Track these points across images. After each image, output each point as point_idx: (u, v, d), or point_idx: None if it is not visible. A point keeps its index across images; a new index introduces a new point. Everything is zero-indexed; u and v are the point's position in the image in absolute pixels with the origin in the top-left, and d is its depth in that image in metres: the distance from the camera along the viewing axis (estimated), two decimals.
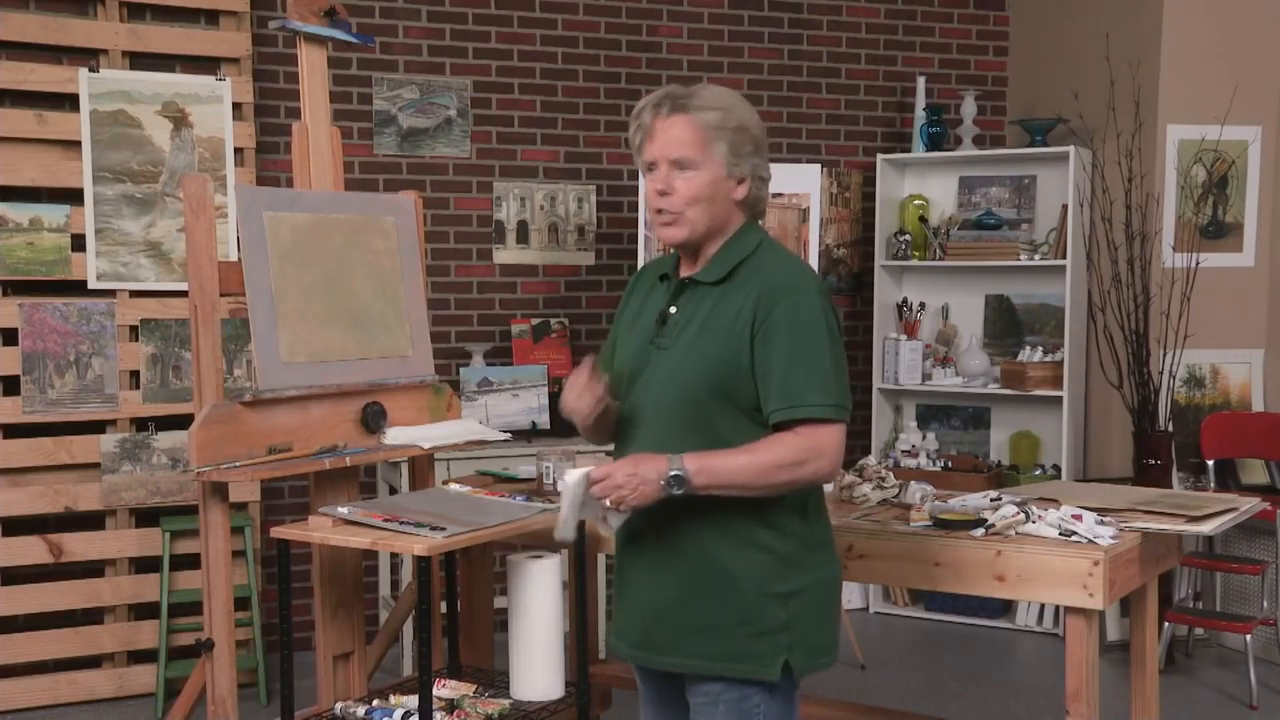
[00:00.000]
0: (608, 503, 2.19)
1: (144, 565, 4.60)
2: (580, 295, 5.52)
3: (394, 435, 3.24)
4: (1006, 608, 5.50)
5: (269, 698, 4.54)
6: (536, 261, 5.45)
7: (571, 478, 2.20)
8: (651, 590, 2.30)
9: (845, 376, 2.21)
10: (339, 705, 2.96)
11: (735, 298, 2.21)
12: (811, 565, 2.26)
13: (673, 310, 2.29)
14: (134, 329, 4.55)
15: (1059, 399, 5.38)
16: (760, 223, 2.37)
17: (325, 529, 2.66)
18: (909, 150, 5.79)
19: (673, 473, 2.14)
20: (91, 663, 4.55)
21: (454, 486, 3.21)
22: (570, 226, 5.49)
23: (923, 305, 5.88)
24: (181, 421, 4.50)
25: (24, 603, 4.45)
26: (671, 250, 2.37)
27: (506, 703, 2.90)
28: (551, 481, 3.19)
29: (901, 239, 5.74)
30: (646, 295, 2.40)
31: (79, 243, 4.49)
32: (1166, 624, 4.70)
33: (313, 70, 3.28)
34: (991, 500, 2.93)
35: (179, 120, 4.60)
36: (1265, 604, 4.83)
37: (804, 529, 2.26)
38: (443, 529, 2.62)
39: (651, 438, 2.27)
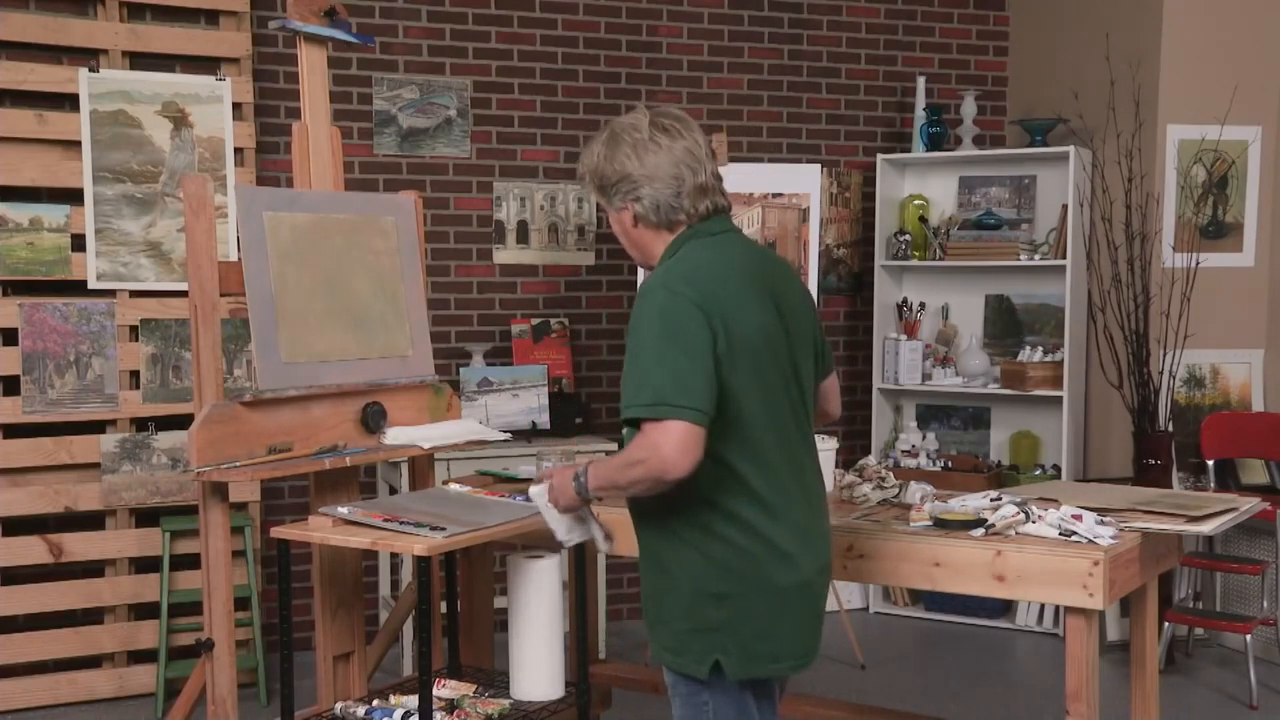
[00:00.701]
0: (545, 504, 2.48)
1: (144, 565, 4.60)
2: (580, 295, 5.52)
3: (394, 435, 3.24)
4: (1006, 608, 5.50)
5: (269, 698, 4.54)
6: (536, 261, 5.45)
7: (534, 490, 2.51)
8: (641, 583, 2.48)
9: (681, 371, 2.20)
10: (339, 705, 2.96)
11: None
12: (756, 572, 2.30)
13: None
14: (134, 329, 4.55)
15: (1059, 399, 5.38)
16: (716, 210, 2.43)
17: (325, 529, 2.66)
18: (909, 150, 5.79)
19: (575, 477, 2.40)
20: (91, 663, 4.55)
21: (454, 486, 3.21)
22: (570, 226, 5.49)
23: (923, 305, 5.88)
24: (181, 421, 4.50)
25: (24, 603, 4.45)
26: None
27: (506, 703, 2.90)
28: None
29: (901, 239, 5.74)
30: None
31: (79, 243, 4.49)
32: (1166, 624, 4.70)
33: (313, 70, 3.28)
34: (991, 500, 2.93)
35: (179, 120, 4.60)
36: (1265, 604, 4.83)
37: (745, 537, 2.29)
38: (443, 529, 2.62)
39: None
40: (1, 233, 4.41)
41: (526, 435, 4.82)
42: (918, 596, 5.68)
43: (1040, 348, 5.52)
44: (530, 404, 4.92)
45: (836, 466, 3.39)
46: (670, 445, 2.17)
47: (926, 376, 5.72)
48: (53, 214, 4.47)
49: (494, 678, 3.14)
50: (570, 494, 2.42)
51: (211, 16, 4.76)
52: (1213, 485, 5.04)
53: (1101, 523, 2.75)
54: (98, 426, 4.52)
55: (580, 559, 2.91)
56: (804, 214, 5.06)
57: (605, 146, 2.42)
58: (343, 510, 2.72)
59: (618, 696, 3.98)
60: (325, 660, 3.18)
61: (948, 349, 5.83)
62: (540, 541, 3.17)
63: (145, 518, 4.61)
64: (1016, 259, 5.51)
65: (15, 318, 4.39)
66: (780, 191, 5.07)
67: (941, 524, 2.86)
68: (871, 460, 3.28)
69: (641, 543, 2.42)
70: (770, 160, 5.77)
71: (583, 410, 5.08)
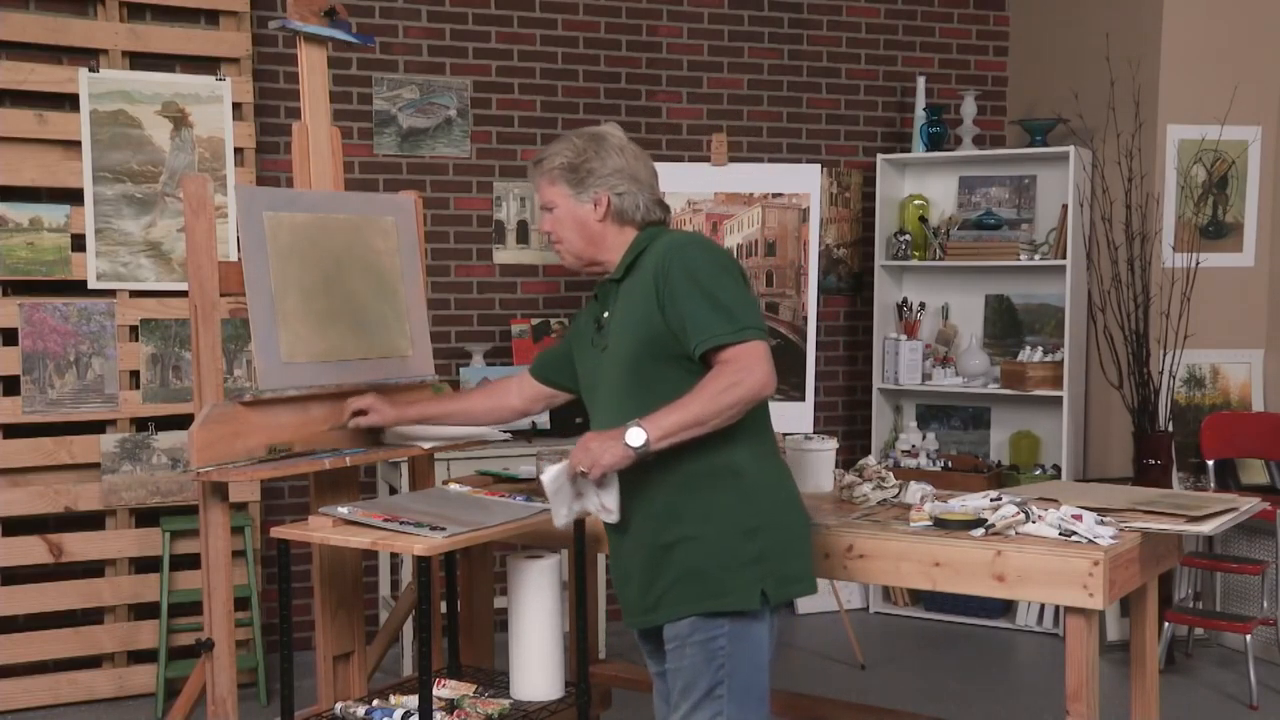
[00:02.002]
0: (581, 471, 2.40)
1: (144, 565, 4.60)
2: (580, 295, 5.52)
3: (394, 435, 3.24)
4: (1006, 608, 5.50)
5: (269, 698, 4.54)
6: (536, 261, 5.45)
7: (549, 474, 2.46)
8: (634, 556, 2.55)
9: (749, 302, 2.44)
10: (339, 705, 2.96)
11: (640, 279, 2.52)
12: (782, 504, 2.52)
13: (606, 315, 2.63)
14: (134, 329, 4.55)
15: (1059, 399, 5.38)
16: (667, 223, 2.69)
17: (325, 529, 2.65)
18: (909, 150, 5.80)
19: (628, 429, 2.35)
20: (91, 663, 4.56)
21: (454, 486, 3.21)
22: None
23: (923, 305, 5.88)
24: (181, 421, 4.51)
25: (24, 603, 4.45)
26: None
27: (506, 703, 2.90)
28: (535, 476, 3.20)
29: (901, 239, 5.74)
30: (585, 327, 2.73)
31: (79, 243, 4.49)
32: (1166, 624, 4.70)
33: (313, 70, 3.28)
34: (991, 500, 2.93)
35: (179, 120, 4.60)
36: (1265, 604, 4.83)
37: (771, 474, 2.53)
38: (443, 529, 2.62)
39: (609, 418, 2.52)
40: (1, 233, 4.41)
41: (526, 435, 4.81)
42: (918, 596, 5.68)
43: (1040, 348, 5.52)
44: None
45: (836, 466, 3.38)
46: (762, 364, 2.36)
47: (926, 376, 5.72)
48: (53, 214, 4.47)
49: (494, 678, 3.14)
50: (621, 453, 2.36)
51: (211, 16, 4.76)
52: (1213, 485, 5.04)
53: (1101, 523, 2.75)
54: (98, 426, 4.53)
55: (580, 559, 2.91)
56: (804, 214, 5.06)
57: (590, 142, 2.59)
58: (343, 510, 2.72)
59: (618, 696, 3.98)
60: (325, 660, 3.18)
61: (948, 349, 5.83)
62: (540, 541, 3.17)
63: (145, 518, 4.61)
64: (1016, 259, 5.51)
65: (15, 318, 4.39)
66: (780, 191, 5.07)
67: (941, 524, 2.85)
68: (871, 460, 3.28)
69: (652, 506, 2.48)
70: (770, 160, 5.77)
71: (582, 410, 5.07)
